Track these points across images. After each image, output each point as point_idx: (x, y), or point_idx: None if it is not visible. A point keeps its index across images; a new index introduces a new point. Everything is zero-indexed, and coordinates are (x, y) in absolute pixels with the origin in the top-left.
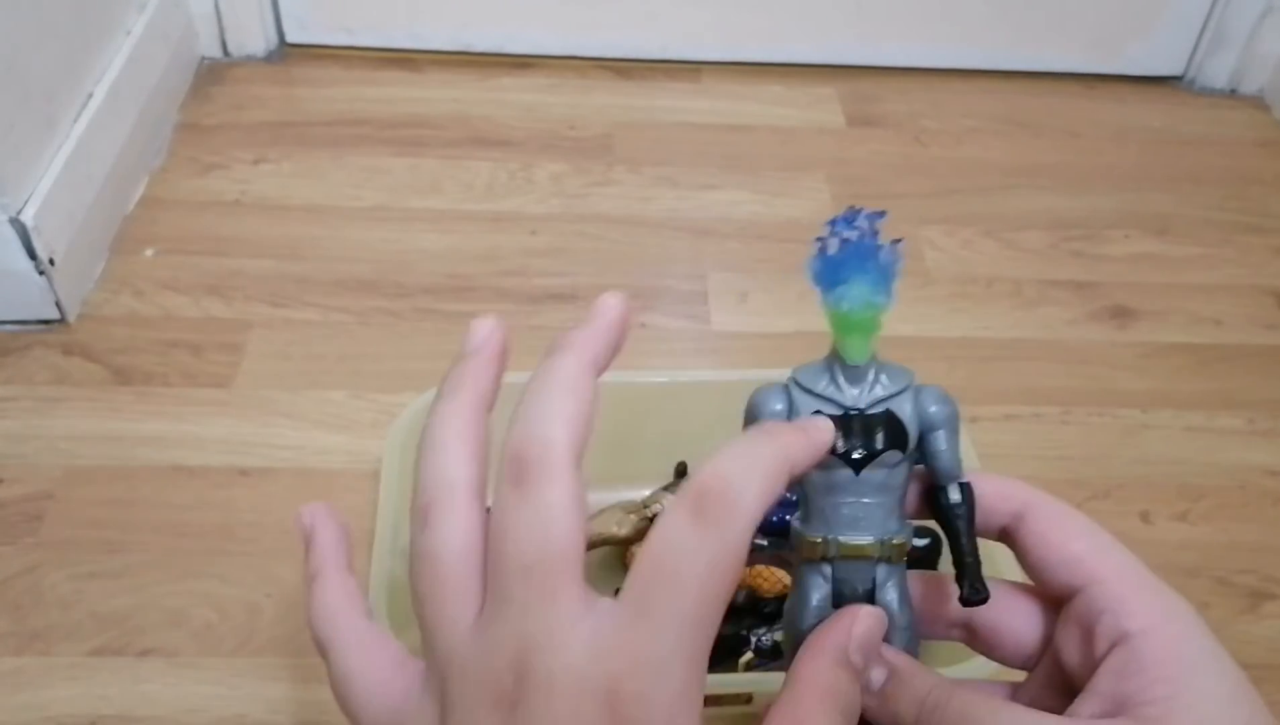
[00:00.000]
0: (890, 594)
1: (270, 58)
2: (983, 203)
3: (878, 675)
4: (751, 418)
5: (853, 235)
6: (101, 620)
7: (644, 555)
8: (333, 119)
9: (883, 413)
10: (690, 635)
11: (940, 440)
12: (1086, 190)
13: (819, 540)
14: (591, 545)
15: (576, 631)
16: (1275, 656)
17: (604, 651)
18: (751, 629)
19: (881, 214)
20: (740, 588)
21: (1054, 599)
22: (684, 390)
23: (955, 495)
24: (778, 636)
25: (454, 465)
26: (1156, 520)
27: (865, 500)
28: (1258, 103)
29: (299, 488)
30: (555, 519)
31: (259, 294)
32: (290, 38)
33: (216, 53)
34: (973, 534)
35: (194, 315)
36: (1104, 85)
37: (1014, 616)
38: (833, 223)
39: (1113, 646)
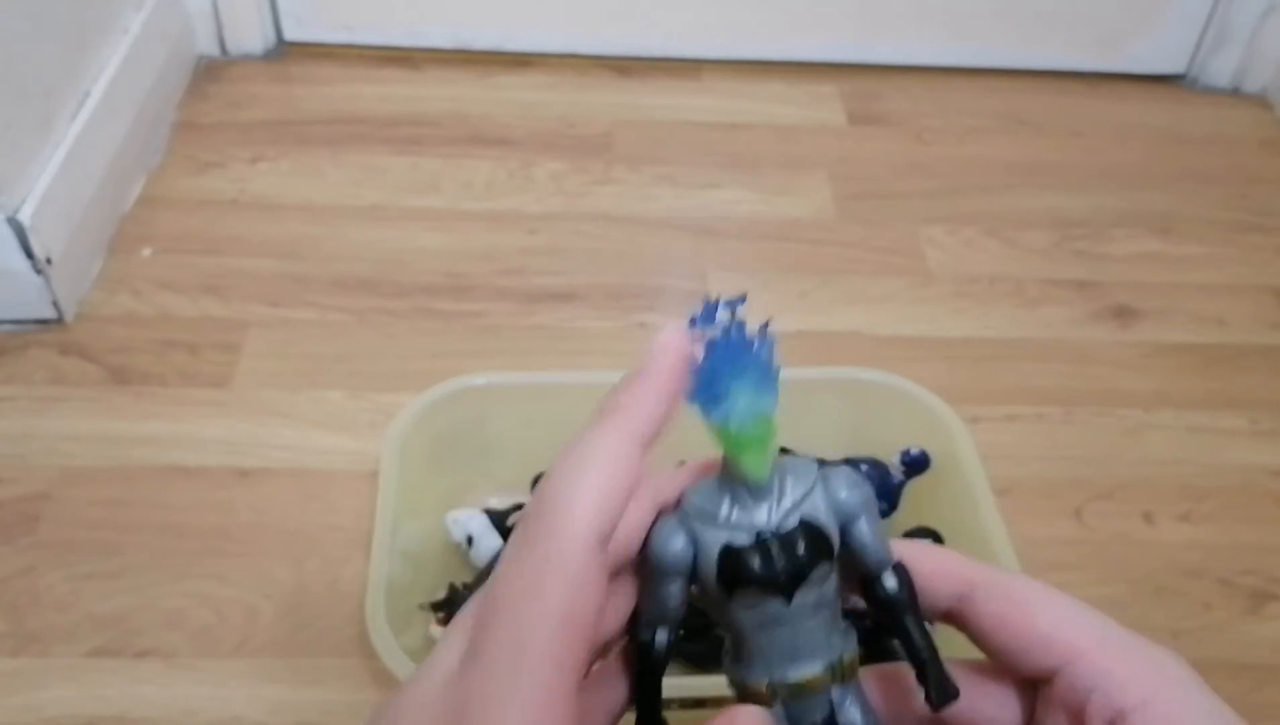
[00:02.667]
0: (852, 714)
1: (268, 56)
2: (985, 201)
3: None
4: (655, 566)
5: (714, 334)
6: (99, 621)
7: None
8: (331, 117)
9: (799, 525)
10: (526, 668)
11: (862, 530)
12: (1089, 189)
13: (763, 687)
14: None
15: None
16: (1278, 657)
17: (452, 693)
18: None
19: (741, 300)
20: None
21: (1027, 679)
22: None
23: (891, 583)
24: None
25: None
26: (1159, 521)
27: (806, 625)
28: (1261, 101)
29: (297, 488)
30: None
31: (257, 293)
32: (288, 36)
33: (214, 51)
34: (921, 623)
35: (191, 315)
36: (1106, 84)
37: (989, 703)
38: (689, 322)
39: (1110, 723)
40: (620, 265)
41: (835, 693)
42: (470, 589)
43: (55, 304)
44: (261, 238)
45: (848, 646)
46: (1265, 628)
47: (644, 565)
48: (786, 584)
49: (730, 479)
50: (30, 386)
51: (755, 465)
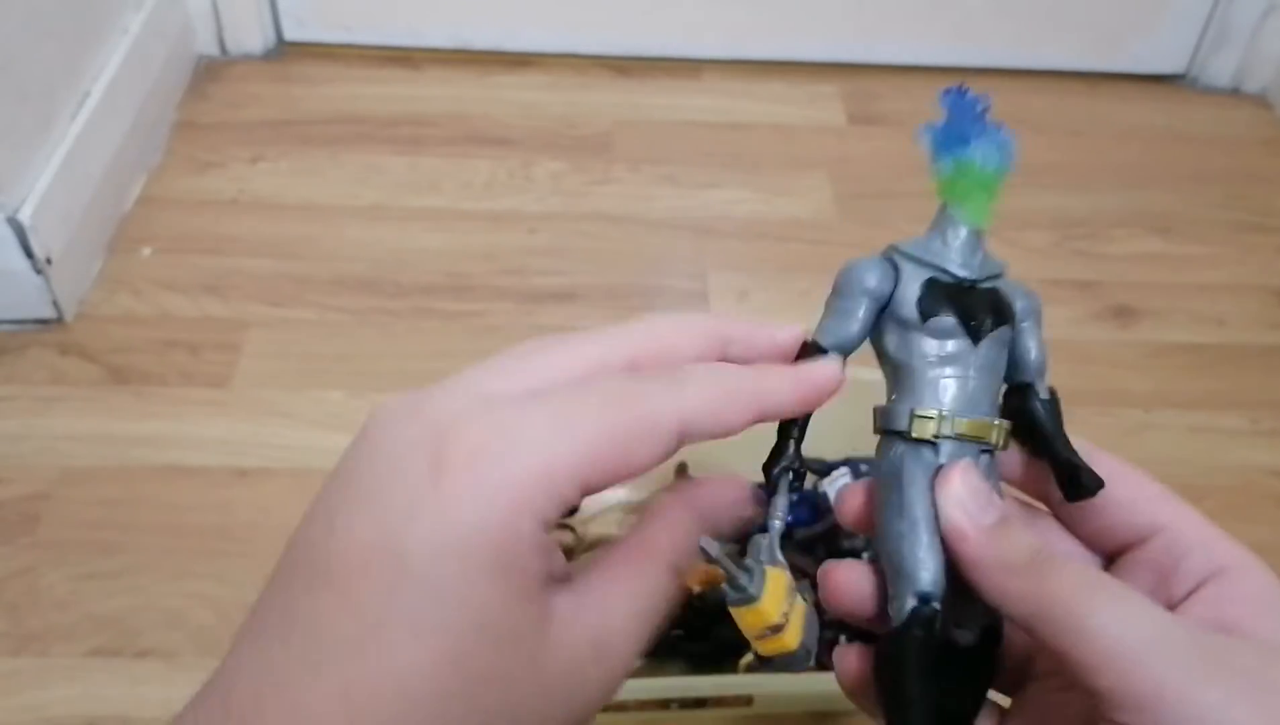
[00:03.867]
0: (993, 477)
1: (268, 56)
2: None
3: (989, 515)
4: (841, 292)
5: (965, 109)
6: (99, 621)
7: None
8: (331, 117)
9: (993, 288)
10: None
11: (1028, 333)
12: (1089, 189)
13: (932, 415)
14: (590, 547)
15: None
16: None
17: None
18: None
19: (986, 97)
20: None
21: (1113, 549)
22: None
23: (1044, 393)
24: None
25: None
26: None
27: (977, 376)
28: (1261, 101)
29: (297, 488)
30: None
31: (257, 293)
32: (288, 36)
33: (214, 51)
34: (1064, 433)
35: (191, 315)
36: (1107, 84)
37: (1070, 550)
38: (947, 92)
39: (1202, 582)
40: (620, 265)
41: (984, 459)
42: None
43: (55, 304)
44: (261, 237)
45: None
46: None
47: (833, 293)
48: (976, 326)
49: (942, 232)
50: (30, 386)
51: (977, 211)
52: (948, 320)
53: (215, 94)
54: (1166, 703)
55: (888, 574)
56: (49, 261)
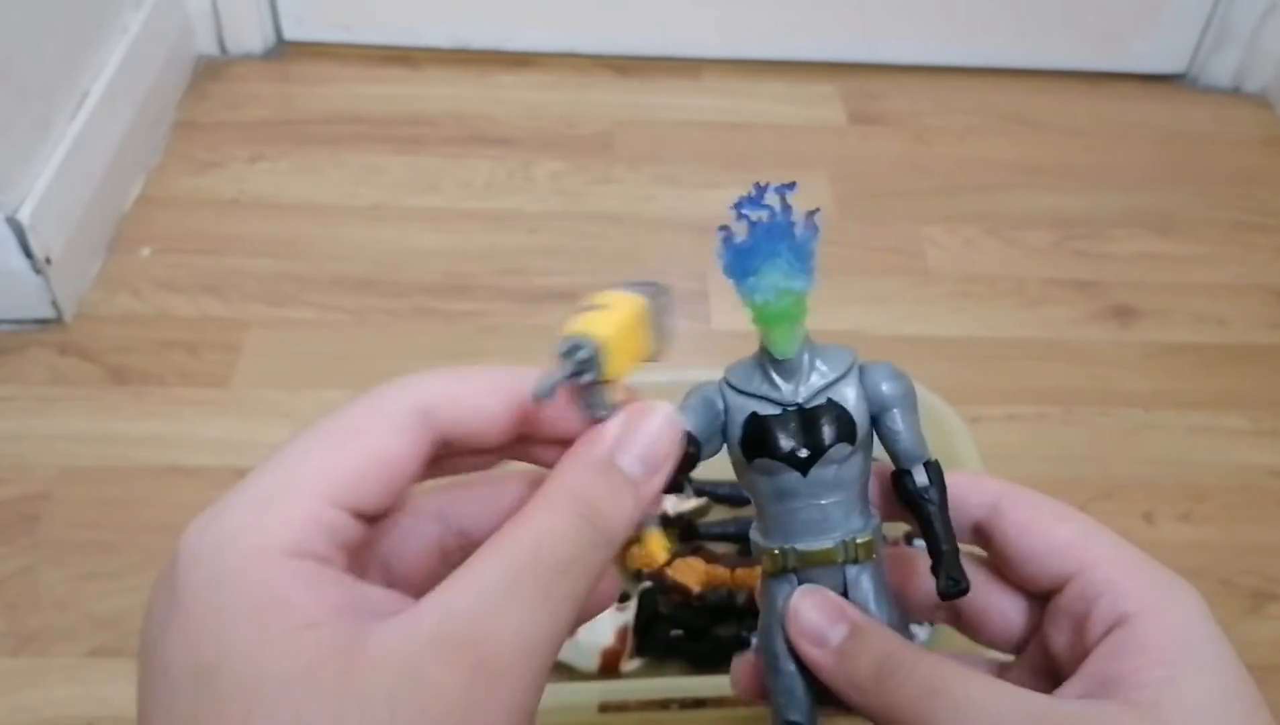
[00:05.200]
0: (864, 590)
1: (268, 55)
2: (985, 201)
3: (837, 632)
4: (687, 415)
5: (762, 216)
6: (98, 621)
7: None
8: (330, 117)
9: (824, 403)
10: None
11: (895, 420)
12: (1090, 188)
13: (777, 551)
14: None
15: None
16: (1278, 657)
17: None
18: (753, 631)
19: (791, 186)
20: (741, 589)
21: (1040, 592)
22: (684, 390)
23: (921, 478)
24: None
25: None
26: (1159, 521)
27: (820, 502)
28: (1261, 101)
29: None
30: None
31: (256, 293)
32: (288, 35)
33: (214, 50)
34: (946, 519)
35: (191, 315)
36: (1107, 83)
37: (998, 605)
38: (738, 205)
39: (1109, 630)
40: (620, 265)
41: (850, 570)
42: None
43: (54, 304)
44: (261, 237)
45: (865, 529)
46: (1266, 627)
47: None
48: (802, 458)
49: (762, 356)
50: (29, 386)
51: (782, 341)
52: (770, 462)
53: (215, 94)
54: None
55: (766, 680)
56: (48, 261)
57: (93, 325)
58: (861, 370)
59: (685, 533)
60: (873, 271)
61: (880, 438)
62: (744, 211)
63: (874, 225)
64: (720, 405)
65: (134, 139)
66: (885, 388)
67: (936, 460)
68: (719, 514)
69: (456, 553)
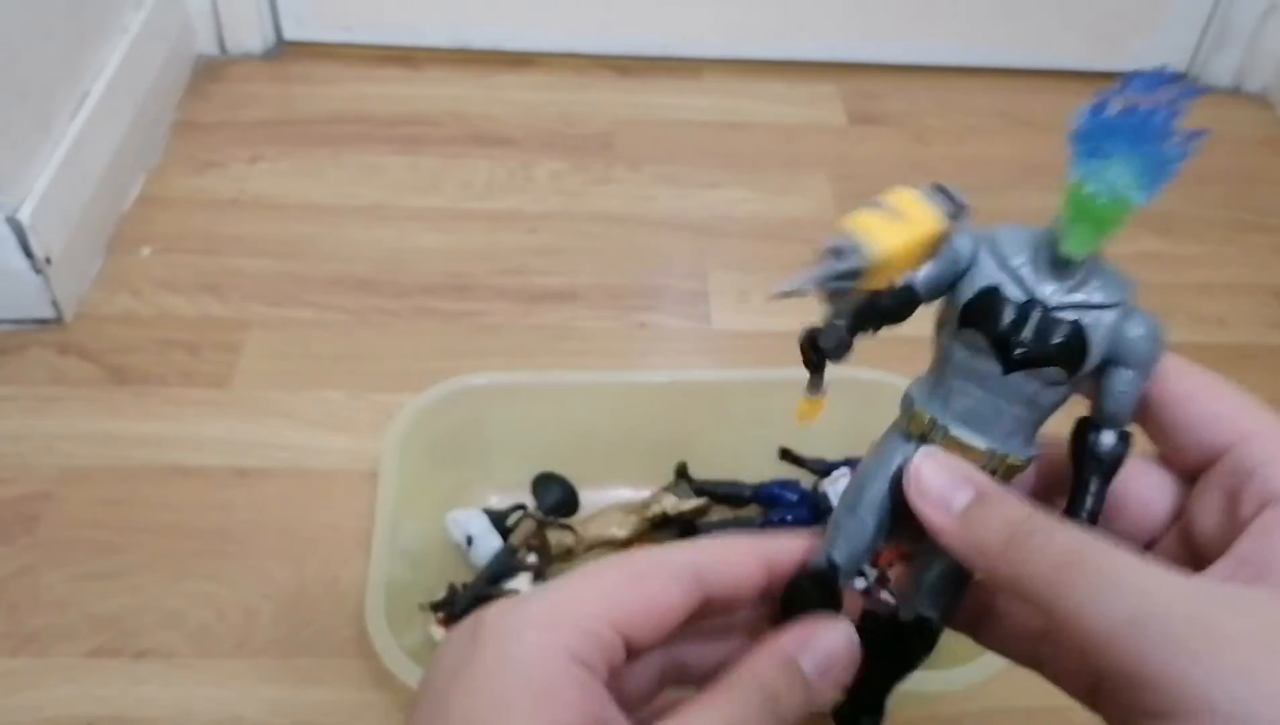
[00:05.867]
0: None
1: (268, 55)
2: (985, 201)
3: (962, 497)
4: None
5: (1146, 103)
6: (98, 621)
7: None
8: (330, 117)
9: (1069, 322)
10: None
11: (1123, 379)
12: None
13: (928, 418)
14: (589, 547)
15: None
16: None
17: None
18: None
19: (1199, 91)
20: None
21: (1191, 469)
22: (684, 390)
23: (1109, 440)
24: None
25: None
26: None
27: (1000, 403)
28: (1261, 101)
29: (297, 488)
30: None
31: (256, 293)
32: (288, 35)
33: (214, 50)
34: (1103, 493)
35: (191, 314)
36: (1107, 83)
37: (1144, 482)
38: (1129, 79)
39: (1262, 507)
40: (620, 265)
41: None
42: (470, 589)
43: (54, 303)
44: (261, 237)
45: (1022, 453)
46: None
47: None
48: (1014, 357)
49: (1046, 238)
50: (29, 386)
51: (1078, 239)
52: (980, 340)
53: (215, 94)
54: (1150, 683)
55: (830, 537)
56: (48, 261)
57: (93, 325)
58: (1127, 312)
59: (685, 532)
60: None
61: (1099, 383)
62: (1134, 88)
63: None
64: (966, 259)
65: (134, 139)
66: (1135, 342)
67: (1131, 432)
68: (719, 514)
69: (672, 681)
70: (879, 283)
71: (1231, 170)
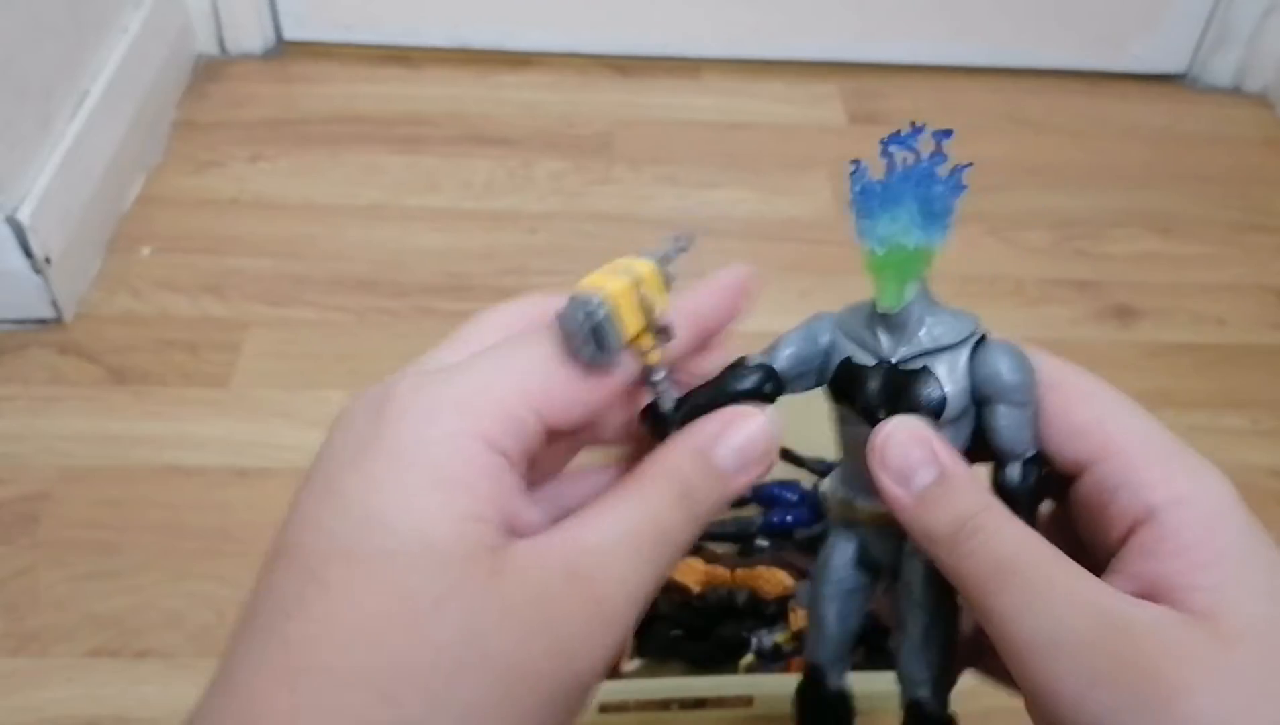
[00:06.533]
0: (913, 569)
1: (268, 55)
2: (985, 201)
3: (924, 474)
4: (785, 344)
5: (907, 158)
6: (98, 621)
7: None
8: (330, 117)
9: (918, 369)
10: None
11: (999, 414)
12: (1090, 189)
13: (839, 501)
14: None
15: None
16: None
17: None
18: (753, 631)
19: (948, 133)
20: (741, 589)
21: (1069, 476)
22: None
23: (1013, 474)
24: (779, 638)
25: None
26: None
27: None
28: (1262, 101)
29: (296, 488)
30: None
31: (256, 293)
32: (288, 35)
33: (214, 50)
34: (1032, 519)
35: (191, 314)
36: (1107, 83)
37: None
38: (886, 141)
39: (1132, 526)
40: None
41: (909, 544)
42: None
43: (54, 303)
44: (261, 237)
45: None
46: None
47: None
48: (878, 417)
49: (869, 305)
50: (29, 386)
51: (886, 292)
52: (849, 411)
53: (215, 93)
54: (1063, 704)
55: (809, 631)
56: (48, 261)
57: (93, 325)
58: (979, 346)
59: None
60: None
61: (985, 422)
62: (890, 148)
63: None
64: (825, 341)
65: (134, 139)
66: (995, 375)
67: (1037, 453)
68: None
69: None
70: (633, 330)
71: (1231, 170)
